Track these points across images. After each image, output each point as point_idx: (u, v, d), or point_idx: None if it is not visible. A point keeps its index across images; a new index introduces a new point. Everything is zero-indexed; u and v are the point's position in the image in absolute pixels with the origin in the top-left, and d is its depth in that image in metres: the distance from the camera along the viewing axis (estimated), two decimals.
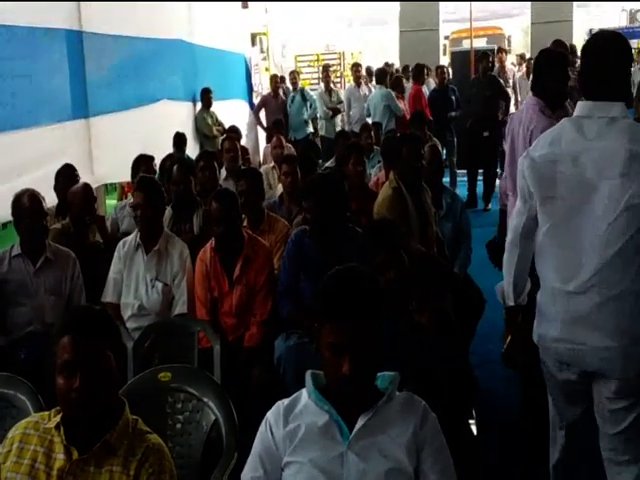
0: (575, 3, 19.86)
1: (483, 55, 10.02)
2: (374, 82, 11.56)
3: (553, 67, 3.81)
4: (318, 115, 11.20)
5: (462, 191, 9.52)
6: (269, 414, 2.05)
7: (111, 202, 8.50)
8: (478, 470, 2.70)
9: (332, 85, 11.76)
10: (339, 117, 11.20)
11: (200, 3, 9.54)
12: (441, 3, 20.36)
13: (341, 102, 11.15)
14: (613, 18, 20.64)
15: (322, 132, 11.03)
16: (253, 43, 14.28)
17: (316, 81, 16.21)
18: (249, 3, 14.09)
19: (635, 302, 2.47)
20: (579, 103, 2.60)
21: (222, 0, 10.53)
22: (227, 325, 3.87)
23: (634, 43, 15.62)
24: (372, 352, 1.91)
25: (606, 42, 2.59)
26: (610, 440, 2.63)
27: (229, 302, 3.86)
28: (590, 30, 16.26)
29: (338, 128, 10.71)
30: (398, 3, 20.69)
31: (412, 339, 2.89)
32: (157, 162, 6.02)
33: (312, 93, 11.57)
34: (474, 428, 2.93)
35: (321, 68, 13.43)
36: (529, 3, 20.15)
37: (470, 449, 2.71)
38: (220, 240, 3.88)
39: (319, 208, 3.67)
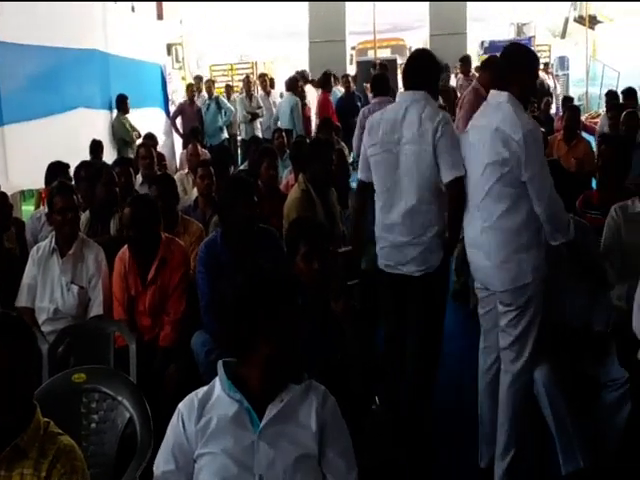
0: (469, 17, 20.48)
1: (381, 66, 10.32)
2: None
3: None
4: (238, 119, 11.31)
5: None
6: (182, 406, 2.01)
7: (28, 208, 8.20)
8: (382, 455, 2.72)
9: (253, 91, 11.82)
10: (258, 121, 11.28)
11: (115, 14, 9.35)
12: (347, 16, 20.63)
13: (260, 107, 11.27)
14: (503, 31, 21.35)
15: (242, 135, 11.10)
16: (169, 53, 14.06)
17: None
18: (164, 14, 13.89)
19: (505, 232, 3.05)
20: (492, 92, 3.22)
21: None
22: (143, 325, 3.79)
23: None
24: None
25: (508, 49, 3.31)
26: (504, 353, 3.19)
27: (143, 302, 3.77)
28: (482, 42, 16.77)
29: (258, 132, 10.76)
30: (307, 16, 20.85)
31: (327, 329, 2.90)
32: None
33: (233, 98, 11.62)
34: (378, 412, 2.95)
35: (233, 77, 13.44)
36: (428, 17, 20.64)
37: (374, 435, 2.74)
38: (132, 244, 3.79)
39: (237, 208, 3.62)
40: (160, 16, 13.69)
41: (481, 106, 3.28)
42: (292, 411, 1.97)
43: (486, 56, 17.13)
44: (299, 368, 2.03)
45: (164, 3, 13.87)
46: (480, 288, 3.28)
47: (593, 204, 4.31)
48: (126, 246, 3.86)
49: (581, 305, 3.40)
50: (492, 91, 3.19)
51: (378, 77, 7.78)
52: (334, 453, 1.98)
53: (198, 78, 12.50)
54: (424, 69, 3.52)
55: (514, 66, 3.13)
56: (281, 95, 12.13)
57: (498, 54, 3.53)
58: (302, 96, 10.80)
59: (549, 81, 15.12)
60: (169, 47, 14.26)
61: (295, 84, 10.86)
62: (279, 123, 10.40)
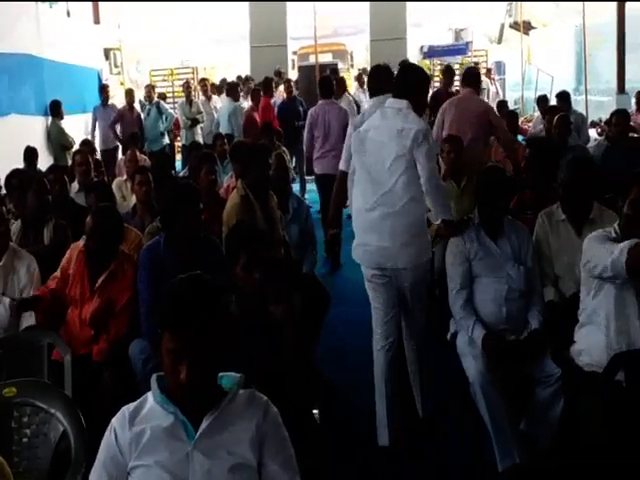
0: (409, 23, 20.77)
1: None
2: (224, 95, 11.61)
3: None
4: (181, 125, 11.20)
5: (312, 196, 9.67)
6: (114, 420, 1.98)
7: None
8: (322, 458, 2.73)
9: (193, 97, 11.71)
10: (199, 127, 11.18)
11: (49, 18, 9.16)
12: (288, 21, 20.66)
13: (200, 112, 11.17)
14: (441, 37, 21.71)
15: (183, 141, 10.99)
16: (106, 58, 13.83)
17: (171, 95, 15.94)
18: (101, 19, 13.67)
19: (406, 217, 3.54)
20: (388, 100, 3.82)
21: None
22: (81, 336, 3.69)
23: (459, 59, 16.43)
24: (211, 359, 1.89)
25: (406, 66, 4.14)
26: (408, 322, 3.74)
27: (87, 310, 3.68)
28: (422, 47, 17.01)
29: (199, 137, 10.67)
30: (249, 20, 20.79)
31: (265, 338, 2.89)
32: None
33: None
34: (317, 418, 2.96)
35: (174, 82, 13.30)
36: (368, 22, 20.83)
37: (314, 439, 2.74)
38: (89, 253, 3.72)
39: (184, 215, 3.59)
40: (97, 20, 13.44)
41: (377, 110, 3.86)
42: (230, 421, 1.95)
43: (426, 61, 17.53)
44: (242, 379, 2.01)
45: (101, 8, 13.62)
46: (374, 269, 3.66)
47: (527, 204, 4.42)
48: (81, 243, 3.80)
49: (518, 307, 3.50)
50: (391, 99, 3.77)
51: (324, 80, 8.34)
52: (276, 465, 1.96)
53: (150, 86, 12.25)
54: (412, 81, 3.86)
55: (413, 81, 3.80)
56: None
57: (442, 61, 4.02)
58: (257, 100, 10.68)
59: (491, 86, 15.49)
60: (107, 52, 14.03)
61: (235, 89, 10.79)
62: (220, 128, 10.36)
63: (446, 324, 3.75)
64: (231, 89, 10.73)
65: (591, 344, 3.06)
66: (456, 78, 11.39)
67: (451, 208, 3.79)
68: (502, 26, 21.97)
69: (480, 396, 3.20)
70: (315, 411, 2.95)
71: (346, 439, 3.73)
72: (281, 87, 12.30)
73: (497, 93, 15.72)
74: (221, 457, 1.91)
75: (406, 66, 4.21)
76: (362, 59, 22.24)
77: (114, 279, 3.70)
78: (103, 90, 10.94)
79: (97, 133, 10.78)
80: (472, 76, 6.67)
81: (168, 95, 15.35)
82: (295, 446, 2.04)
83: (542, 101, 10.29)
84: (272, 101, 11.21)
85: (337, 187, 4.54)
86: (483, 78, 15.66)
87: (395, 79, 4.05)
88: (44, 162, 7.86)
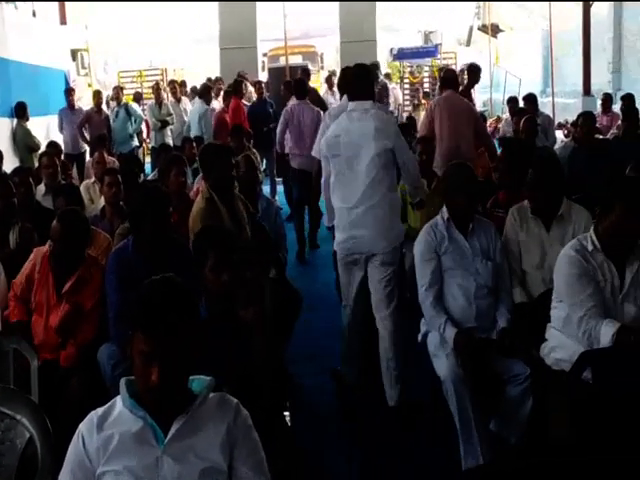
0: (379, 25, 20.87)
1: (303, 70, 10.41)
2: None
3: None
4: (150, 126, 11.11)
5: (282, 198, 9.67)
6: (82, 425, 1.95)
7: None
8: (293, 460, 2.73)
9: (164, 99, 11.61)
10: (169, 128, 11.10)
11: (15, 19, 9.03)
12: (258, 23, 20.62)
13: (170, 114, 11.09)
14: (411, 39, 21.85)
15: (152, 143, 10.91)
16: (74, 59, 13.66)
17: (140, 96, 15.79)
18: (68, 19, 13.51)
19: (383, 209, 3.99)
20: (350, 103, 4.20)
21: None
22: (49, 342, 3.63)
23: (428, 61, 16.54)
24: (182, 362, 1.88)
25: (362, 67, 4.38)
26: (380, 303, 4.06)
27: (54, 317, 3.62)
28: (391, 49, 17.10)
29: (168, 139, 10.59)
30: (218, 22, 20.71)
31: (236, 341, 2.87)
32: None
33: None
34: (288, 420, 2.96)
35: (143, 84, 13.19)
36: (338, 24, 20.88)
37: (285, 441, 2.74)
38: (55, 258, 3.66)
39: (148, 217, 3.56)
40: (63, 21, 13.28)
41: (343, 114, 4.22)
42: (200, 424, 1.94)
43: (396, 63, 17.63)
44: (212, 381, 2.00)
45: (67, 9, 13.45)
46: (356, 255, 4.09)
47: (499, 204, 4.49)
48: (46, 248, 3.73)
49: (487, 304, 3.53)
50: (354, 102, 4.13)
51: (298, 82, 8.65)
52: (246, 468, 1.95)
53: (118, 88, 12.09)
54: (369, 83, 4.28)
55: (369, 81, 4.23)
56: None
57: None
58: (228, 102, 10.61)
59: None
60: (74, 53, 13.86)
61: (208, 92, 10.71)
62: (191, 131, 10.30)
63: (417, 325, 3.77)
64: (204, 92, 10.64)
65: (563, 341, 3.09)
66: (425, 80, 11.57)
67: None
68: (471, 29, 22.19)
69: (452, 395, 3.22)
70: (286, 413, 2.95)
71: (317, 441, 3.74)
72: (250, 88, 12.23)
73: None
74: (191, 461, 1.90)
75: (360, 66, 4.41)
76: (332, 61, 22.30)
77: (82, 285, 3.65)
78: (68, 93, 10.75)
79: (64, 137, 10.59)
80: (450, 78, 6.72)
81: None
82: (266, 449, 2.04)
83: (512, 102, 10.42)
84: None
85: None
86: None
87: (352, 82, 4.33)
88: (9, 164, 7.71)
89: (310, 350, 4.89)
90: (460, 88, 7.13)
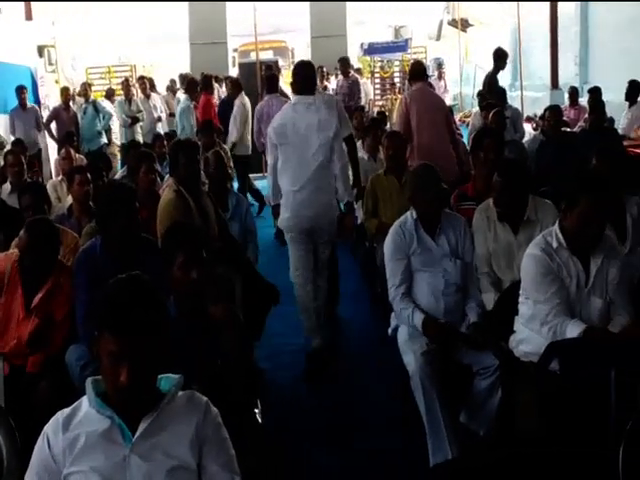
0: (349, 20, 20.86)
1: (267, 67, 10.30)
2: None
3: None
4: (118, 123, 10.94)
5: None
6: (47, 427, 1.93)
7: None
8: (263, 457, 2.73)
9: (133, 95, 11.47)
10: (139, 125, 10.97)
11: None
12: (228, 18, 20.49)
13: (141, 111, 10.97)
14: (381, 34, 21.86)
15: (122, 140, 10.75)
16: (40, 55, 13.43)
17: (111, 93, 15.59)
18: (34, 15, 13.28)
19: (326, 191, 4.62)
20: (293, 97, 4.88)
21: None
22: (16, 351, 3.54)
23: (398, 56, 16.57)
24: (151, 360, 1.86)
25: (303, 64, 4.95)
26: (322, 271, 4.81)
27: (23, 329, 3.53)
28: (362, 44, 17.09)
29: (138, 136, 10.47)
30: (188, 18, 20.53)
31: (205, 338, 2.85)
32: None
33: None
34: (259, 417, 2.95)
35: (111, 80, 13.03)
36: (309, 19, 20.83)
37: (255, 438, 2.73)
38: (24, 269, 3.59)
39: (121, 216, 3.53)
40: (29, 16, 13.05)
41: (285, 107, 4.84)
42: (168, 423, 1.92)
43: (367, 57, 17.62)
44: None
45: (33, 4, 13.21)
46: (301, 231, 4.64)
47: (468, 196, 4.50)
48: (12, 256, 3.64)
49: (455, 301, 3.56)
50: (297, 96, 4.68)
51: (270, 77, 8.87)
52: (217, 466, 1.95)
53: (86, 84, 11.85)
54: (312, 78, 4.85)
55: (310, 77, 4.76)
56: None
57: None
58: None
59: (440, 82, 15.71)
60: (41, 49, 13.63)
61: (194, 86, 10.48)
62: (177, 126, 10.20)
63: (387, 320, 3.79)
64: (190, 86, 10.38)
65: (531, 334, 3.11)
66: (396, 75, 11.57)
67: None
68: (440, 23, 22.25)
69: (419, 390, 3.23)
70: (256, 410, 2.94)
71: (288, 438, 3.74)
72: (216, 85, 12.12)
73: (445, 88, 15.98)
74: (159, 460, 1.89)
75: (300, 64, 4.97)
76: (303, 56, 22.23)
77: (52, 296, 3.58)
78: (20, 92, 10.34)
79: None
80: (419, 70, 6.70)
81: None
82: (236, 447, 2.03)
83: (481, 96, 10.46)
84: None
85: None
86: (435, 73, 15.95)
87: (295, 77, 4.81)
88: None
89: (277, 346, 4.92)
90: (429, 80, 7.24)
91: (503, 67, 9.16)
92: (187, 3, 20.24)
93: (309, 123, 4.53)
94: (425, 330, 3.40)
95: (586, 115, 9.25)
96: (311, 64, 5.07)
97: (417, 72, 6.66)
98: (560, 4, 14.28)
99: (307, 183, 4.56)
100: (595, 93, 9.19)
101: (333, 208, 4.74)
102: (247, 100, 9.61)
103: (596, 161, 3.64)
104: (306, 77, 4.74)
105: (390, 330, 3.71)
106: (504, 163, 4.04)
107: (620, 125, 9.10)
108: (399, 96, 14.60)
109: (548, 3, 14.22)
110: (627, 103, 9.27)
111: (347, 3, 20.54)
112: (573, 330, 2.83)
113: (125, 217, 3.53)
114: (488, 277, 3.72)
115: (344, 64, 12.52)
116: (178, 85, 13.86)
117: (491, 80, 9.20)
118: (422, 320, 3.42)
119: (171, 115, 12.02)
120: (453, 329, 3.47)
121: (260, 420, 2.93)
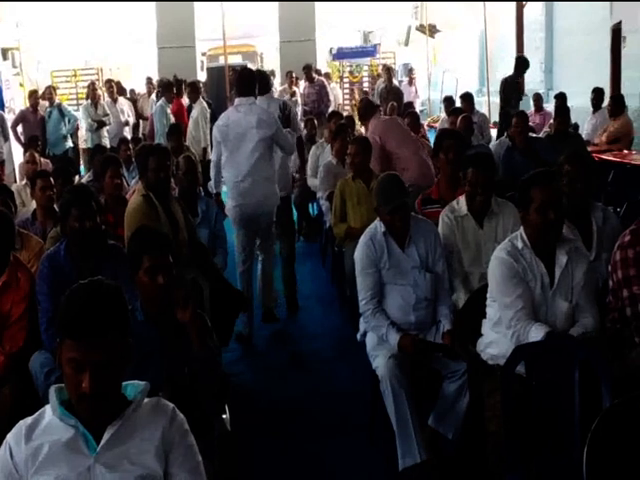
0: (318, 25, 20.91)
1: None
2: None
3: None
4: (84, 127, 10.78)
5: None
6: (9, 436, 1.89)
7: None
8: (233, 463, 2.71)
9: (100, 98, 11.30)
10: (105, 129, 10.81)
11: None
12: (197, 22, 20.41)
13: (107, 115, 10.81)
14: (350, 38, 21.96)
15: (88, 144, 10.57)
16: (5, 58, 13.24)
17: (74, 96, 15.44)
18: None
19: (265, 181, 5.21)
20: (236, 99, 5.43)
21: None
22: None
23: (367, 60, 16.67)
24: (113, 368, 1.83)
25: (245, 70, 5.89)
26: (266, 249, 5.56)
27: None
28: (331, 49, 17.16)
29: (105, 140, 10.34)
30: (155, 21, 20.40)
31: (173, 343, 2.83)
32: None
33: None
34: (227, 424, 2.93)
35: (77, 84, 12.84)
36: (277, 24, 20.85)
37: (224, 444, 2.71)
38: None
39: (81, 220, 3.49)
40: None
41: (231, 107, 5.55)
42: (134, 431, 1.90)
43: (335, 62, 17.70)
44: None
45: None
46: (245, 217, 5.22)
47: (432, 199, 4.53)
48: None
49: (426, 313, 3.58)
50: (240, 98, 5.27)
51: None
52: (184, 473, 1.92)
53: (51, 87, 11.64)
54: (253, 83, 5.41)
55: (251, 82, 5.34)
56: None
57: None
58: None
59: (411, 87, 15.80)
60: (5, 51, 13.46)
61: (170, 89, 10.34)
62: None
63: (356, 324, 3.79)
64: (165, 90, 10.18)
65: (498, 337, 3.13)
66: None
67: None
68: (409, 28, 22.42)
69: (389, 394, 3.24)
70: (225, 416, 2.92)
71: (257, 442, 3.73)
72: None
73: (416, 93, 16.08)
74: (125, 469, 1.87)
75: (242, 70, 5.89)
76: (272, 61, 22.23)
77: (7, 290, 3.50)
78: (31, 96, 10.34)
79: None
80: (369, 107, 6.64)
81: (71, 97, 14.86)
82: (204, 453, 2.02)
83: (448, 102, 10.57)
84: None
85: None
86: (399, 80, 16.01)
87: (238, 82, 5.50)
88: None
89: (246, 350, 4.91)
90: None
91: (524, 72, 9.73)
92: (154, 4, 20.11)
93: (249, 121, 5.12)
94: (401, 350, 3.37)
95: (551, 121, 9.40)
96: (252, 71, 5.99)
97: (367, 110, 6.53)
98: (526, 10, 14.49)
99: (248, 174, 5.13)
100: (560, 99, 9.35)
101: (273, 195, 5.32)
102: (205, 105, 9.66)
103: (569, 166, 3.66)
104: (247, 82, 5.35)
105: (359, 335, 3.70)
106: (477, 158, 4.00)
107: (584, 131, 9.25)
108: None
109: (514, 10, 14.42)
110: (592, 109, 9.43)
111: (316, 7, 20.59)
112: (536, 334, 2.86)
113: (84, 219, 3.49)
114: (458, 275, 3.78)
115: (308, 70, 12.70)
116: (145, 90, 13.72)
117: (507, 84, 9.88)
118: (397, 341, 3.38)
119: (143, 118, 11.90)
120: (429, 344, 3.46)
121: (229, 427, 2.91)
